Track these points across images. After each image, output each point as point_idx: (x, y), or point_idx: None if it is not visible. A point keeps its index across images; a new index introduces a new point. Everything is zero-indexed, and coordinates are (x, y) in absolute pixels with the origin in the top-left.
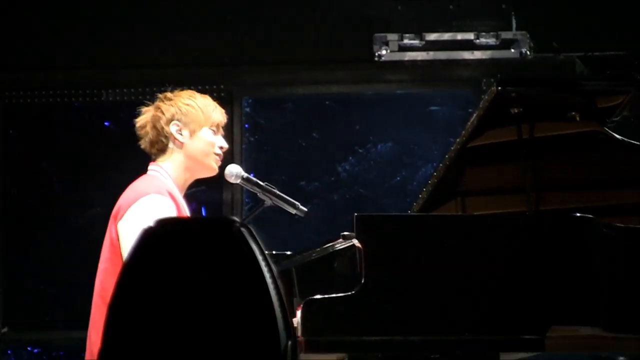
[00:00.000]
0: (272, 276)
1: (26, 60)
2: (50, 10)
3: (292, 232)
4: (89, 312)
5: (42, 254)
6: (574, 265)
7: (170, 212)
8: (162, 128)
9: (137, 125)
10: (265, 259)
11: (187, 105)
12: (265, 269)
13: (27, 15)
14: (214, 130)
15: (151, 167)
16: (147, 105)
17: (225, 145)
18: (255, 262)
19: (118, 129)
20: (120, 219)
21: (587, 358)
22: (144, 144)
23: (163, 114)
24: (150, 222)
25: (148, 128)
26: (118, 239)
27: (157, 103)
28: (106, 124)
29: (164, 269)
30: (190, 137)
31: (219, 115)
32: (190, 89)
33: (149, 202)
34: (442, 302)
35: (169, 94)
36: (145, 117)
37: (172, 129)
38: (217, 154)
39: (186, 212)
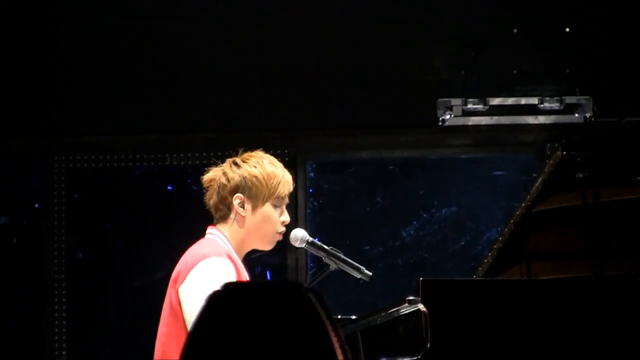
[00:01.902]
0: (340, 341)
1: (90, 125)
2: (116, 74)
3: (356, 296)
4: None
5: (106, 317)
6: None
7: (231, 274)
8: (226, 198)
9: (204, 183)
10: (332, 323)
11: (253, 176)
12: (332, 334)
13: (91, 79)
14: (277, 205)
15: (210, 230)
16: (216, 166)
17: (288, 220)
18: (323, 327)
19: (181, 193)
20: (182, 283)
21: None
22: (207, 203)
23: (228, 181)
24: (212, 286)
25: (213, 192)
26: (179, 304)
27: (225, 167)
28: (169, 188)
29: (231, 334)
30: (252, 211)
31: (284, 187)
32: None
33: (210, 265)
34: None
35: (237, 159)
36: (211, 177)
37: (235, 202)
38: (279, 232)
39: (245, 276)
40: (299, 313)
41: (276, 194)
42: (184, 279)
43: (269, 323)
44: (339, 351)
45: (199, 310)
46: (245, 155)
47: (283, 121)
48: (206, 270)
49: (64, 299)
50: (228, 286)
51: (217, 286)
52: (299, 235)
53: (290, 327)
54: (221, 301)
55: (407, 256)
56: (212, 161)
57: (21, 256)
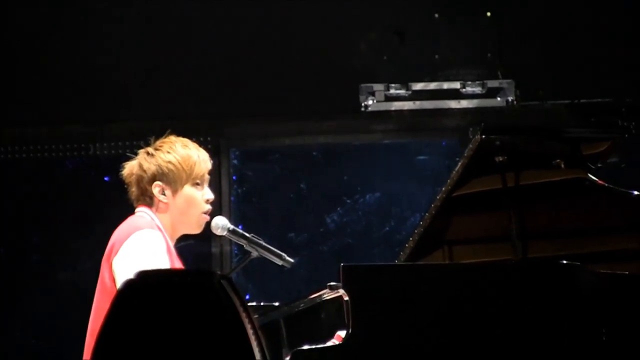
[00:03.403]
0: (253, 328)
1: (10, 116)
2: (40, 66)
3: (281, 284)
4: None
5: (33, 309)
6: (562, 312)
7: (163, 247)
8: (146, 189)
9: (124, 178)
10: (246, 310)
11: (168, 162)
12: (246, 321)
13: (16, 70)
14: (198, 183)
15: (139, 209)
16: (131, 159)
17: (211, 197)
18: (237, 314)
19: (106, 184)
20: (115, 255)
21: None
22: (130, 196)
23: (145, 172)
24: (145, 257)
25: (132, 184)
26: (112, 279)
27: (139, 159)
28: (106, 179)
29: (144, 321)
30: (173, 196)
31: (201, 166)
32: None
33: (143, 236)
34: (428, 351)
35: (150, 149)
36: (128, 172)
37: (155, 190)
38: (204, 212)
39: (174, 252)
40: (212, 300)
41: (193, 174)
42: (117, 252)
43: (182, 310)
44: (252, 338)
45: (114, 297)
46: (158, 142)
47: (206, 109)
48: (139, 241)
49: None
50: (141, 274)
51: (150, 257)
52: (220, 224)
53: (203, 313)
54: (135, 288)
55: (332, 243)
56: (135, 150)
57: None
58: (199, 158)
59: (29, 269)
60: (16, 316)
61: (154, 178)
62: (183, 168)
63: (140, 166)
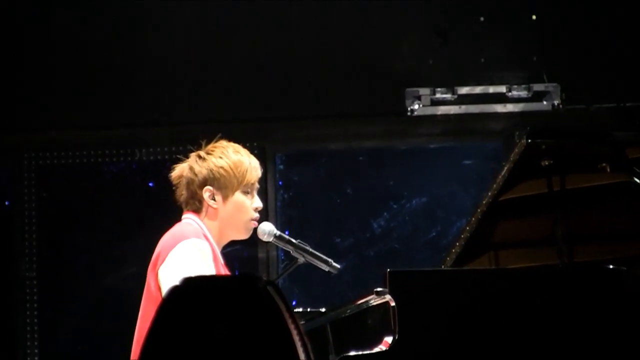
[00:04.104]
0: (300, 334)
1: (58, 120)
2: (82, 70)
3: (327, 289)
4: None
5: (78, 314)
6: (609, 317)
7: (208, 256)
8: (195, 192)
9: (172, 180)
10: (292, 316)
11: (220, 168)
12: (292, 327)
13: (58, 75)
14: (247, 192)
15: (186, 216)
16: (180, 162)
17: (260, 205)
18: (282, 320)
19: (152, 188)
20: (161, 264)
21: None
22: (178, 198)
23: (196, 175)
24: (192, 266)
25: (182, 187)
26: (158, 287)
27: (190, 162)
28: (150, 184)
29: (190, 328)
30: (223, 202)
31: (252, 174)
32: None
33: (189, 245)
34: (475, 356)
35: (202, 153)
36: (178, 174)
37: (205, 194)
38: (253, 219)
39: (222, 263)
40: (257, 306)
41: (245, 181)
42: (163, 260)
43: (227, 316)
44: (298, 344)
45: (159, 305)
46: (209, 147)
47: (252, 113)
48: (185, 250)
49: (35, 297)
50: (187, 280)
51: (196, 266)
52: (267, 230)
53: (249, 320)
54: (180, 295)
55: (378, 247)
56: (179, 155)
57: None
58: (250, 165)
59: (74, 274)
60: (61, 322)
61: (205, 182)
62: (235, 174)
63: (192, 169)
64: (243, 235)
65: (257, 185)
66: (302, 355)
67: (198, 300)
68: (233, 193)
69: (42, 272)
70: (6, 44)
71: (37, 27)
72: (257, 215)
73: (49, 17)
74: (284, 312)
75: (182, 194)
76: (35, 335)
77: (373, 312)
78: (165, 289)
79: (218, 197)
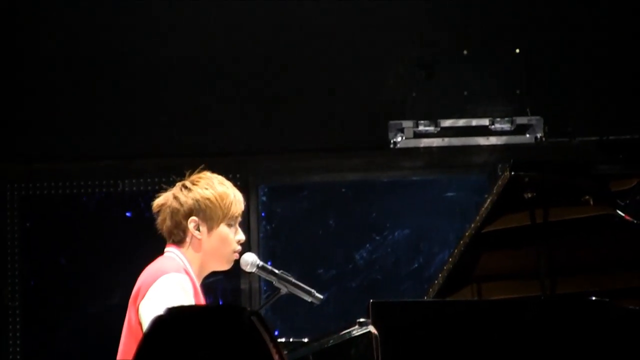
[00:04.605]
0: None
1: (42, 151)
2: (67, 101)
3: (310, 320)
4: None
5: (60, 344)
6: (592, 349)
7: (189, 291)
8: (180, 222)
9: (154, 208)
10: (276, 346)
11: (206, 199)
12: (276, 357)
13: (42, 106)
14: (232, 224)
15: (168, 249)
16: (165, 191)
17: (243, 238)
18: (266, 351)
19: (135, 219)
20: (142, 299)
21: None
22: (160, 227)
23: (181, 205)
24: (172, 302)
25: (166, 217)
26: (138, 322)
27: (175, 191)
28: (128, 214)
29: (174, 357)
30: (207, 233)
31: (237, 207)
32: None
33: (169, 281)
34: None
35: (187, 182)
36: (162, 202)
37: (190, 225)
38: (236, 251)
39: (201, 297)
40: (242, 337)
41: (230, 213)
42: (144, 296)
43: (212, 347)
44: None
45: (143, 335)
46: (194, 177)
47: (235, 145)
48: (166, 285)
49: (18, 326)
50: (171, 310)
51: (176, 301)
52: (249, 260)
53: (234, 351)
54: (164, 325)
55: (361, 279)
56: (163, 186)
57: None
58: (235, 198)
59: (57, 303)
60: (44, 351)
61: (190, 213)
62: (220, 206)
63: (177, 198)
64: (225, 267)
65: (239, 219)
66: None
67: (182, 330)
68: (218, 225)
69: (24, 301)
70: None
71: (19, 56)
72: (239, 247)
73: (32, 45)
74: (268, 343)
75: (164, 222)
76: None
77: (356, 342)
78: (145, 323)
79: (203, 229)
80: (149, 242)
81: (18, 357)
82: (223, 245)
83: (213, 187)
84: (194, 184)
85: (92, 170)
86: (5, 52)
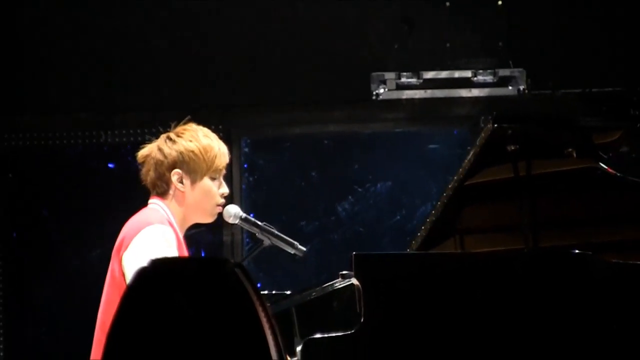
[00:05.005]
0: (267, 315)
1: (23, 104)
2: (49, 54)
3: (292, 272)
4: (89, 353)
5: (42, 297)
6: (574, 303)
7: (172, 242)
8: (163, 174)
9: (138, 159)
10: (259, 298)
11: (190, 151)
12: (260, 309)
13: (24, 58)
14: (215, 177)
15: (152, 201)
16: (150, 142)
17: (227, 192)
18: (250, 302)
19: (117, 172)
20: (125, 250)
21: None
22: (144, 178)
23: (165, 157)
24: (155, 252)
25: (150, 168)
26: (122, 273)
27: (160, 142)
28: (110, 165)
29: (157, 309)
30: (191, 186)
31: (221, 160)
32: None
33: (153, 231)
34: (441, 340)
35: (171, 134)
36: (146, 153)
37: (174, 177)
38: (219, 204)
39: (185, 249)
40: (225, 289)
41: (214, 167)
42: (127, 247)
43: (194, 298)
44: (266, 326)
45: (126, 287)
46: (179, 129)
47: (217, 98)
48: (149, 236)
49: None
50: (154, 262)
51: (160, 253)
52: (232, 212)
53: (216, 302)
54: (147, 277)
55: (343, 231)
56: (147, 138)
57: None
58: (219, 151)
59: (39, 256)
60: (26, 306)
61: (174, 165)
62: (204, 159)
63: (161, 150)
64: (208, 220)
65: (224, 172)
66: (270, 338)
67: (165, 281)
68: (201, 178)
69: (5, 254)
70: None
71: (3, 11)
72: (223, 200)
73: (19, 4)
74: (252, 295)
75: (148, 173)
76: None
77: (338, 295)
78: (129, 274)
79: (186, 181)
80: (131, 195)
81: None
82: (206, 198)
83: (197, 139)
84: (178, 136)
85: (74, 122)
86: None
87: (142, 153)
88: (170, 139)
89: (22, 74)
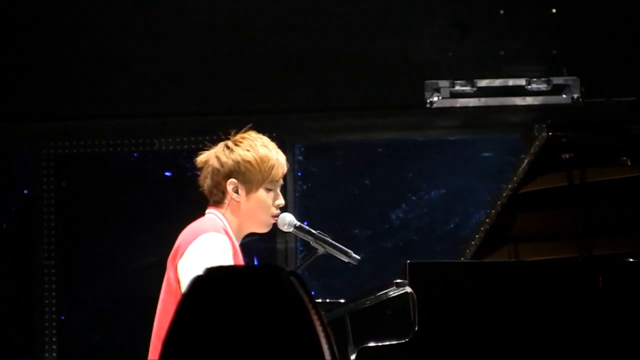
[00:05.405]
0: (322, 324)
1: (77, 109)
2: (103, 59)
3: (345, 280)
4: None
5: (97, 304)
6: (629, 310)
7: (228, 251)
8: (219, 183)
9: (197, 164)
10: (314, 306)
11: (246, 161)
12: (314, 318)
13: (78, 63)
14: (271, 188)
15: (209, 211)
16: (209, 148)
17: (282, 202)
18: (306, 311)
19: (172, 178)
20: (180, 257)
21: None
22: (201, 185)
23: (222, 166)
24: (210, 261)
25: (207, 175)
26: (177, 280)
27: (217, 150)
28: (163, 173)
29: (213, 318)
30: (246, 196)
31: (278, 171)
32: None
33: (209, 240)
34: (495, 349)
35: (229, 142)
36: (205, 160)
37: (229, 187)
38: (274, 215)
39: (241, 257)
40: (281, 297)
41: (270, 177)
42: (182, 254)
43: (249, 307)
44: (321, 335)
45: (182, 295)
46: (238, 137)
47: (272, 104)
48: (205, 244)
49: (53, 285)
50: (210, 270)
51: (215, 261)
52: (287, 220)
53: (272, 311)
54: (203, 285)
55: (396, 239)
56: (200, 145)
57: (10, 242)
58: (277, 161)
59: (92, 263)
60: (79, 311)
61: (230, 174)
62: (260, 169)
63: (218, 158)
64: (263, 230)
65: (281, 183)
66: (325, 346)
67: (221, 290)
68: (257, 189)
69: (60, 260)
70: (24, 34)
71: (54, 17)
72: (278, 212)
73: (67, 6)
74: (307, 303)
75: (205, 180)
76: (53, 324)
77: (392, 303)
78: (184, 282)
79: (242, 191)
80: (187, 203)
81: (53, 316)
82: (260, 209)
83: (255, 149)
84: (236, 145)
85: (128, 128)
86: (37, 12)
87: (200, 159)
88: (228, 147)
89: (77, 78)
